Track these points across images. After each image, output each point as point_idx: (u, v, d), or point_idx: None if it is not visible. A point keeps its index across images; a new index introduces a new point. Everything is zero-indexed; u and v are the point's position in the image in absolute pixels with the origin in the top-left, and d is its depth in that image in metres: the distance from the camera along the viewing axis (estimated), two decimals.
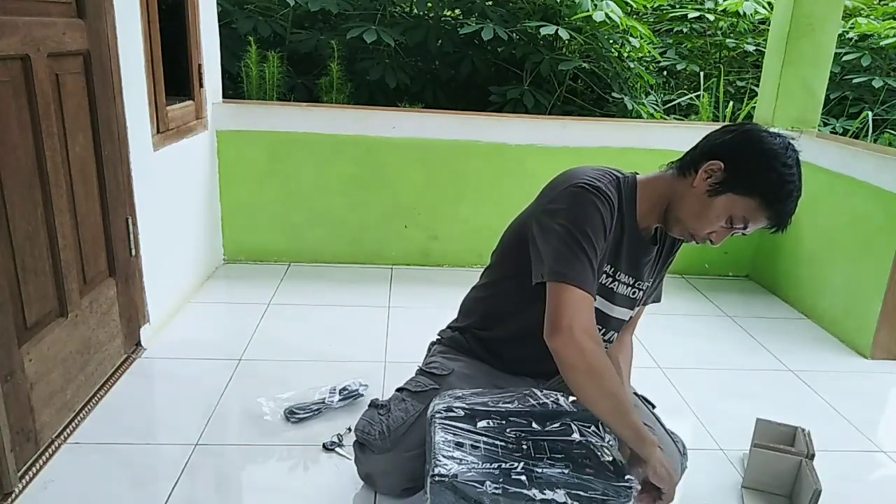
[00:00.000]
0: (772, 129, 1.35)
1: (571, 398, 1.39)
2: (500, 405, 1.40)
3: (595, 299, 1.31)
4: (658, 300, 1.62)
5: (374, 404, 1.56)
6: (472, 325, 1.63)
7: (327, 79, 3.53)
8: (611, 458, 1.29)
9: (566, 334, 1.23)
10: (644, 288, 1.49)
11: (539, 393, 1.43)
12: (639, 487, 1.24)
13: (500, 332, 1.56)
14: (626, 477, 1.24)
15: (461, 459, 1.26)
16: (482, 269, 1.64)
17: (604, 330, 1.47)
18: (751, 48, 4.66)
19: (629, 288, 1.46)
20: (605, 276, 1.41)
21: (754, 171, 1.27)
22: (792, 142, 1.32)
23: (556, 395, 1.41)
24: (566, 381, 1.29)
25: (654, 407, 1.61)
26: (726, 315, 2.81)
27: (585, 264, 1.27)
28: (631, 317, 1.54)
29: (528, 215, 1.45)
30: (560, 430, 1.34)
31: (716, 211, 1.30)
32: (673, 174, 1.39)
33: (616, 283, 1.44)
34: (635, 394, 1.60)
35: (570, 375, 1.26)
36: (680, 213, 1.35)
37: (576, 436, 1.34)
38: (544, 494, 1.20)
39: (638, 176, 1.45)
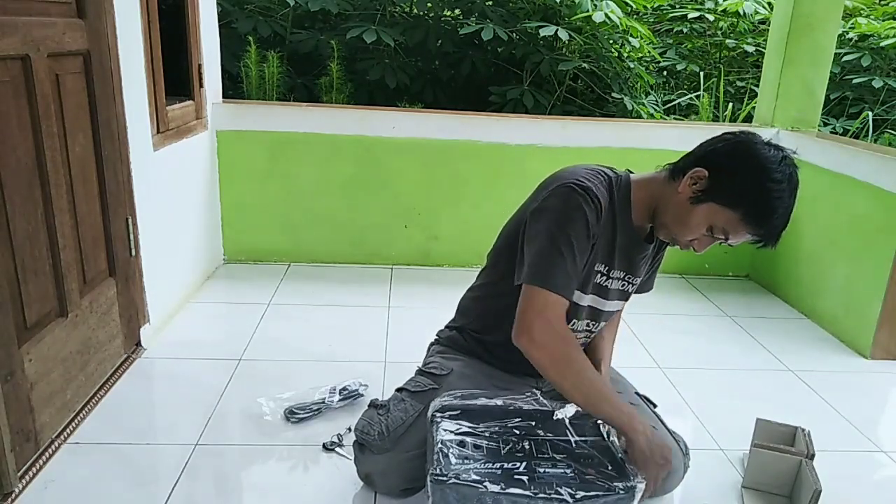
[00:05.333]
0: (772, 141, 1.29)
1: (575, 408, 1.39)
2: (502, 405, 1.41)
3: (569, 301, 1.32)
4: (650, 289, 1.64)
5: (373, 404, 1.57)
6: (468, 326, 1.64)
7: (327, 79, 3.53)
8: (613, 459, 1.29)
9: (527, 334, 1.29)
10: (636, 281, 1.51)
11: (541, 396, 1.43)
12: (643, 484, 1.24)
13: (496, 332, 1.56)
14: (630, 477, 1.24)
15: (463, 459, 1.26)
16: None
17: (596, 324, 1.50)
18: (751, 48, 4.66)
19: (621, 282, 1.48)
20: (599, 275, 1.42)
21: (738, 183, 1.24)
22: (791, 156, 1.27)
23: (557, 403, 1.41)
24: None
25: (655, 406, 1.62)
26: (726, 315, 2.81)
27: (562, 268, 1.28)
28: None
29: (519, 216, 1.46)
30: (562, 431, 1.35)
31: (696, 219, 1.29)
32: (665, 177, 1.39)
33: (610, 279, 1.45)
34: (637, 393, 1.60)
35: (540, 371, 1.31)
36: (665, 217, 1.36)
37: (577, 436, 1.34)
38: (546, 494, 1.20)
39: (632, 175, 1.45)
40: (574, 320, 1.45)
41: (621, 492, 1.22)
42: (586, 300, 1.44)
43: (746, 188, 1.24)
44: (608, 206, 1.37)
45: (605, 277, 1.44)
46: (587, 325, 1.50)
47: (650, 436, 1.29)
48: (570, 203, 1.31)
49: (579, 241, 1.30)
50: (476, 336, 1.61)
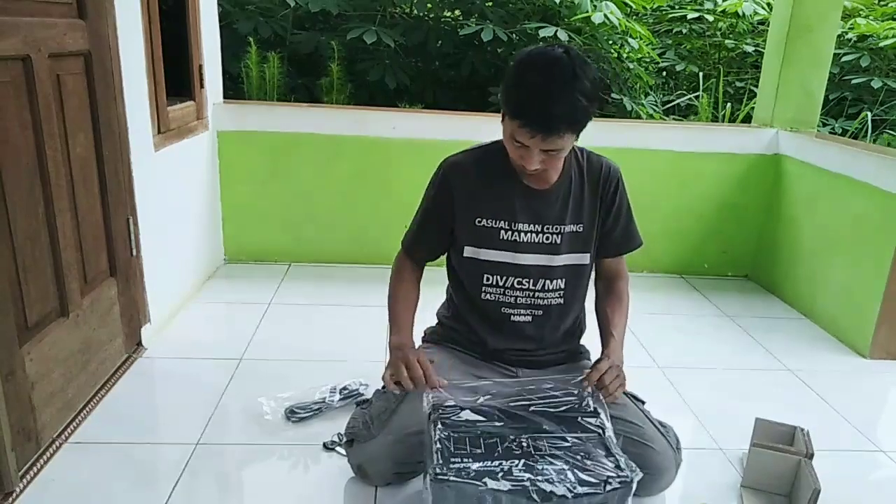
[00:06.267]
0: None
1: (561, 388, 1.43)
2: (500, 403, 1.41)
3: (413, 252, 1.64)
4: (637, 245, 1.63)
5: (358, 403, 1.68)
6: (444, 316, 1.72)
7: (327, 79, 3.53)
8: (610, 453, 1.30)
9: None
10: (564, 230, 1.53)
11: (538, 386, 1.45)
12: (640, 476, 1.25)
13: (455, 320, 1.66)
14: (625, 471, 1.25)
15: (461, 457, 1.27)
16: None
17: (520, 278, 1.54)
18: (750, 49, 4.67)
19: (537, 235, 1.52)
20: (503, 231, 1.52)
21: (503, 86, 1.36)
22: (567, 47, 1.34)
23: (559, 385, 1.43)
24: None
25: (643, 403, 1.62)
26: (725, 315, 2.82)
27: (412, 230, 1.63)
28: (585, 264, 1.58)
29: None
30: (559, 427, 1.35)
31: (505, 134, 1.41)
32: None
33: (517, 233, 1.52)
34: (625, 393, 1.60)
35: None
36: None
37: (574, 432, 1.35)
38: (545, 491, 1.21)
39: None
40: (486, 275, 1.54)
41: (619, 486, 1.23)
42: (487, 255, 1.52)
43: (504, 84, 1.36)
44: (480, 167, 1.52)
45: (510, 232, 1.51)
46: (518, 282, 1.54)
47: (394, 344, 1.50)
48: (432, 178, 1.59)
49: (427, 204, 1.59)
50: (450, 325, 1.67)
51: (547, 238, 1.53)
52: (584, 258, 1.57)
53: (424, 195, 1.61)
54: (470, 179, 1.53)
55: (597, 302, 1.64)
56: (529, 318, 1.58)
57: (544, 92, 1.29)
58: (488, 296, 1.57)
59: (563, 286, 1.56)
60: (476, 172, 1.53)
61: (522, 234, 1.52)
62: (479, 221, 1.52)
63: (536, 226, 1.52)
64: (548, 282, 1.55)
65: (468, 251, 1.55)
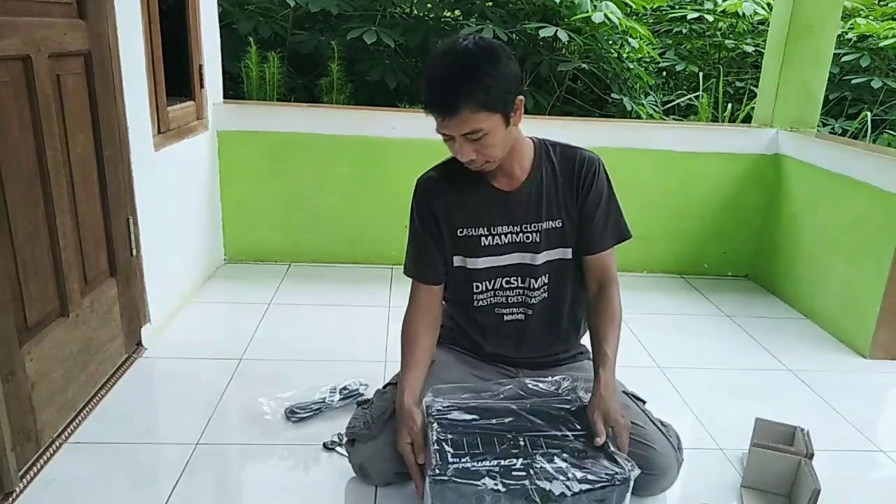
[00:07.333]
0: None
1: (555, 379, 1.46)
2: (496, 402, 1.42)
3: (421, 277, 1.59)
4: (625, 236, 1.60)
5: (359, 403, 1.67)
6: (445, 318, 1.71)
7: (327, 79, 3.53)
8: (607, 451, 1.30)
9: None
10: (542, 229, 1.54)
11: (530, 383, 1.45)
12: (636, 471, 1.26)
13: (453, 323, 1.68)
14: (622, 467, 1.25)
15: (460, 457, 1.27)
16: None
17: (507, 278, 1.56)
18: (750, 49, 4.67)
19: (517, 235, 1.54)
20: (483, 237, 1.54)
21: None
22: (468, 36, 1.40)
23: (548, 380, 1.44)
24: None
25: (644, 403, 1.62)
26: (725, 315, 2.82)
27: (414, 256, 1.59)
28: (569, 258, 1.57)
29: None
30: (556, 426, 1.36)
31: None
32: None
33: (496, 236, 1.54)
34: (624, 392, 1.60)
35: None
36: None
37: (571, 431, 1.35)
38: (544, 490, 1.21)
39: None
40: (475, 283, 1.57)
41: (617, 483, 1.23)
42: (474, 263, 1.55)
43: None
44: (450, 179, 1.54)
45: (490, 237, 1.54)
46: (507, 282, 1.57)
47: (398, 405, 1.46)
48: (412, 203, 1.59)
49: (416, 227, 1.58)
50: (450, 326, 1.68)
51: (527, 237, 1.54)
52: (567, 252, 1.57)
53: (410, 219, 1.60)
54: (444, 193, 1.55)
55: (588, 312, 1.59)
56: (522, 317, 1.60)
57: (439, 77, 1.36)
58: (481, 302, 1.59)
59: (546, 281, 1.58)
60: (448, 185, 1.56)
61: (502, 237, 1.54)
62: (461, 232, 1.55)
63: (514, 226, 1.54)
64: (532, 280, 1.56)
65: (457, 260, 1.57)
